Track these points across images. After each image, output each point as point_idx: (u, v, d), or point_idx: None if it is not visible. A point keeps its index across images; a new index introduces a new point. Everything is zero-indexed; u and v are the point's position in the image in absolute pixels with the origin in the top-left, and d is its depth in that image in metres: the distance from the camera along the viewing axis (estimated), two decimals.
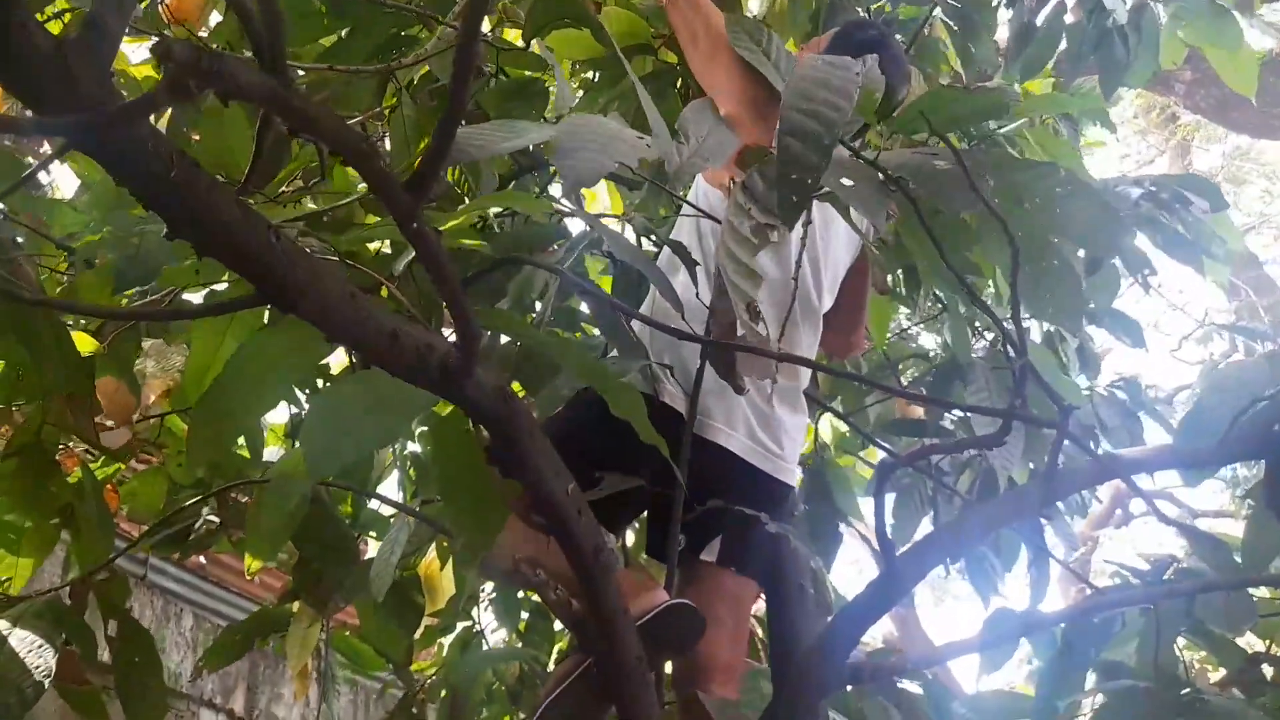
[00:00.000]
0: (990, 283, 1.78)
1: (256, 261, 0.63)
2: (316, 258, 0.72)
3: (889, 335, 2.32)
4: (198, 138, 1.65)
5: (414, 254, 0.95)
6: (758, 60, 1.26)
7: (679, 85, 1.98)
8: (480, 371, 0.77)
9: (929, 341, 2.63)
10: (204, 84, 0.45)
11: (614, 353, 1.43)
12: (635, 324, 1.38)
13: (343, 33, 2.03)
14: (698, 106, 1.02)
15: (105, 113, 0.48)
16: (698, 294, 1.14)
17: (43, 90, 0.51)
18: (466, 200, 1.92)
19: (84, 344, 1.26)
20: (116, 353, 1.24)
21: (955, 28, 2.15)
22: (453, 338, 0.79)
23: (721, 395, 1.31)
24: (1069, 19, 2.22)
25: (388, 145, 2.09)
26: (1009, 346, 0.98)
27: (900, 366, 2.23)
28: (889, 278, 1.89)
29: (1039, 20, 2.23)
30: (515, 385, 1.58)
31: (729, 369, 1.06)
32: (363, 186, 2.27)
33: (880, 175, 0.92)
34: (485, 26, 2.20)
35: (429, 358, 0.74)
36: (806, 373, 1.56)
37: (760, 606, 1.67)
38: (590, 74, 2.14)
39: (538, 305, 1.59)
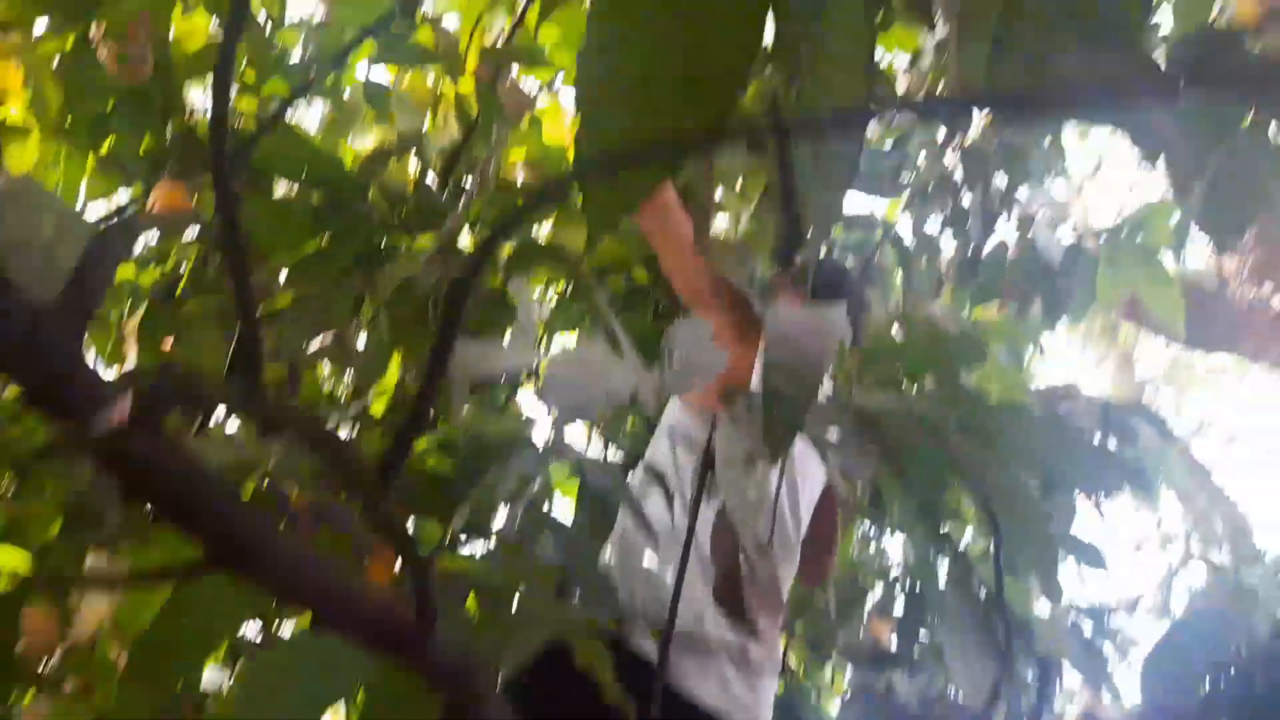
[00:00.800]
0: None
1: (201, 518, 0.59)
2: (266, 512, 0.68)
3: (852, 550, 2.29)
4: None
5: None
6: (742, 286, 1.30)
7: (650, 297, 2.06)
8: (439, 629, 0.72)
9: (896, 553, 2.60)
10: (171, 406, 0.44)
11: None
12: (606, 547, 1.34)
13: (324, 239, 2.11)
14: (689, 325, 1.02)
15: (84, 434, 0.46)
16: (673, 520, 1.10)
17: (12, 362, 0.50)
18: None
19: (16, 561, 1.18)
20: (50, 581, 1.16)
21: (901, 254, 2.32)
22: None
23: (694, 642, 1.25)
24: (1011, 255, 2.38)
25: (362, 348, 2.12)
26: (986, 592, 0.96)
27: (867, 585, 2.19)
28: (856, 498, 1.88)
29: (983, 253, 2.39)
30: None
31: (738, 609, 1.00)
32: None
33: (858, 421, 0.93)
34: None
35: (387, 618, 0.69)
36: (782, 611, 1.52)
37: None
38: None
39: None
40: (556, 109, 2.53)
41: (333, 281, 2.09)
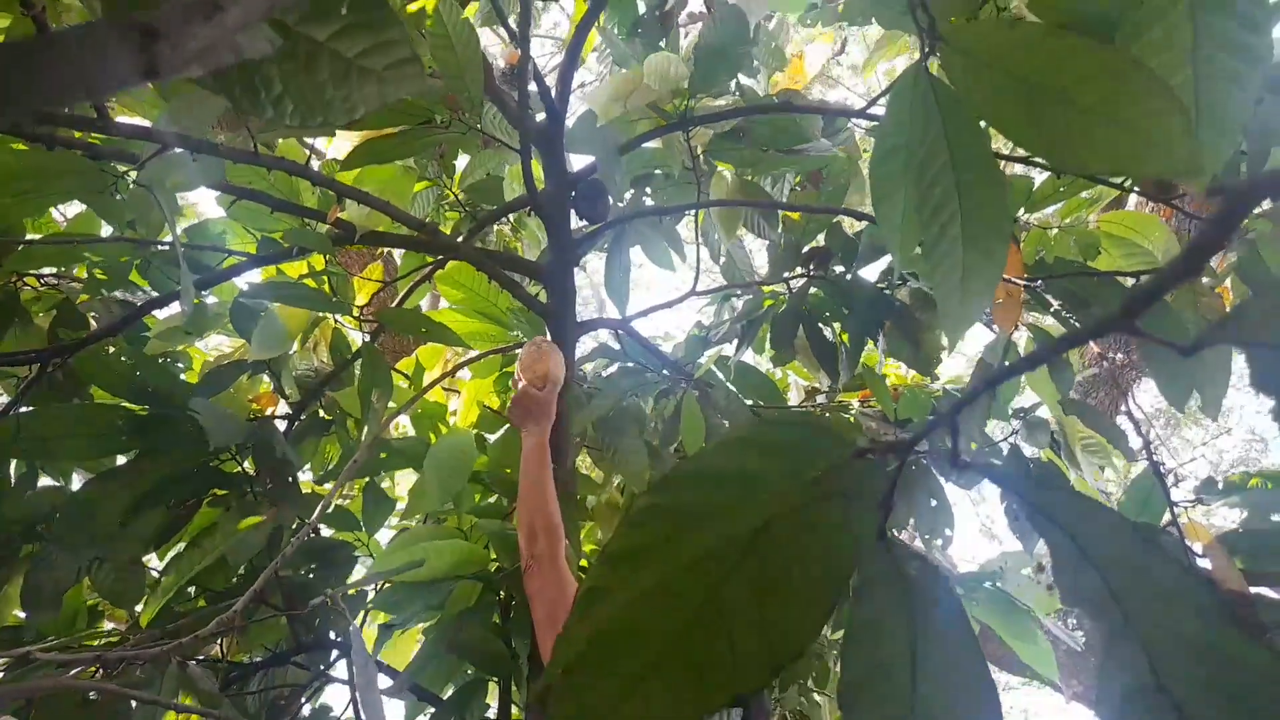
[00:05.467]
0: None
1: None
2: None
3: None
4: None
5: None
6: None
7: (502, 595, 1.81)
8: None
9: None
10: None
11: None
12: None
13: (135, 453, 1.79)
14: None
15: None
16: None
17: None
18: None
19: None
20: None
21: None
22: None
23: None
24: None
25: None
26: None
27: None
28: None
29: None
30: None
31: None
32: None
33: None
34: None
35: None
36: None
37: None
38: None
39: None
40: (439, 352, 2.38)
41: (130, 504, 1.75)
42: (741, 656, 0.39)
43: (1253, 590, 1.31)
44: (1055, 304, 1.94)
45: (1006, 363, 2.17)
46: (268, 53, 0.38)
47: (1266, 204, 1.87)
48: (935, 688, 0.35)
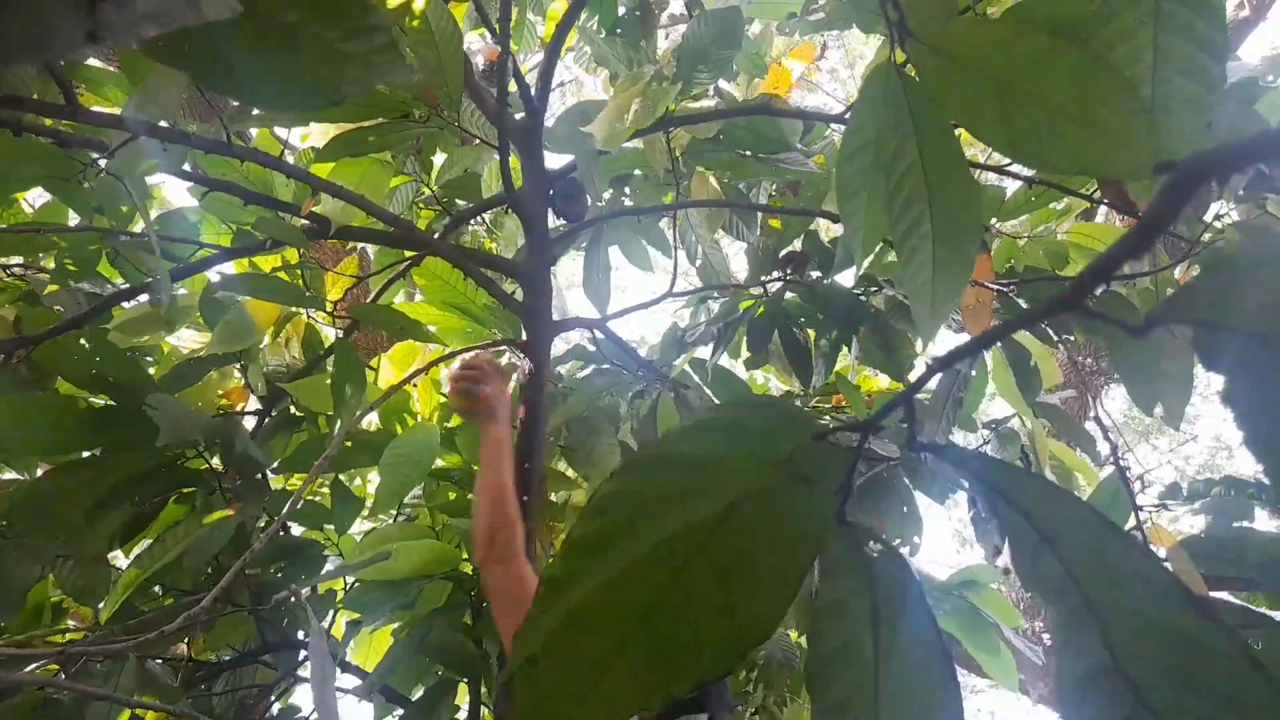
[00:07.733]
0: None
1: None
2: None
3: None
4: None
5: None
6: None
7: (473, 595, 1.80)
8: None
9: None
10: None
11: None
12: None
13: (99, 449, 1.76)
14: None
15: None
16: None
17: None
18: None
19: None
20: None
21: None
22: None
23: None
24: None
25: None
26: None
27: None
28: None
29: None
30: None
31: None
32: None
33: None
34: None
35: None
36: None
37: None
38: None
39: None
40: (415, 351, 2.36)
41: (95, 499, 1.72)
42: (706, 641, 0.39)
43: (1213, 594, 1.33)
44: (1025, 308, 1.97)
45: (973, 371, 2.19)
46: (227, 15, 0.38)
47: (1235, 214, 1.90)
48: (897, 664, 0.35)
